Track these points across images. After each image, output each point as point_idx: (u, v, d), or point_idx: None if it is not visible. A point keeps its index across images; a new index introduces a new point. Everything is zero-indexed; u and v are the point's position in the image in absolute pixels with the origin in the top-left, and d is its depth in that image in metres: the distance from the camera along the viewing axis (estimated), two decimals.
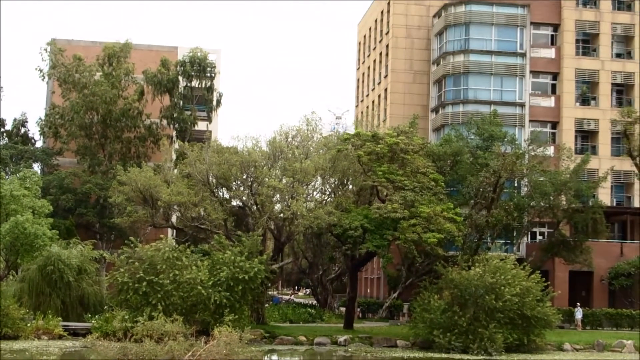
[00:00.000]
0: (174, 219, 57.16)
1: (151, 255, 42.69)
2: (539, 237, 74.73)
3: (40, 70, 74.96)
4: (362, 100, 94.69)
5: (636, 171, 59.79)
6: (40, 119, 76.06)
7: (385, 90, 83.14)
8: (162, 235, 46.44)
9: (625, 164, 71.66)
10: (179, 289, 41.94)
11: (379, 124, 77.92)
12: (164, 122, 75.57)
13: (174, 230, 63.94)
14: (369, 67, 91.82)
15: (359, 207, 49.66)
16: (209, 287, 42.04)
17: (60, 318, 44.99)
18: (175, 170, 59.63)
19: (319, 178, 51.76)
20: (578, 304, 64.58)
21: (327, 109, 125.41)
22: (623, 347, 49.02)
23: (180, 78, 75.70)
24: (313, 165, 48.94)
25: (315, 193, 52.82)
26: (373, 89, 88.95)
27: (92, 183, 69.31)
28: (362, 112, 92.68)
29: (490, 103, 74.62)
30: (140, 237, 57.15)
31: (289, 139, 52.13)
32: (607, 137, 77.21)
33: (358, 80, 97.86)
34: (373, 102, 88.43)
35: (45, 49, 74.89)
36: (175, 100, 75.58)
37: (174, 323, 37.28)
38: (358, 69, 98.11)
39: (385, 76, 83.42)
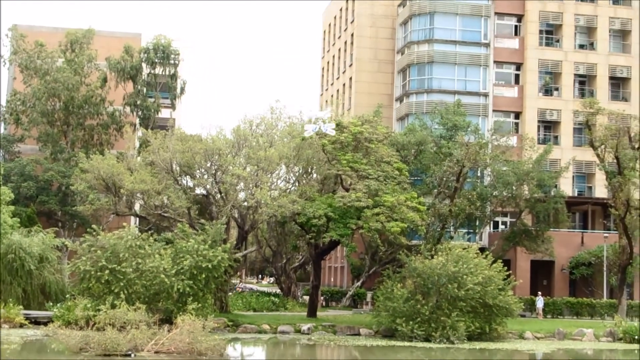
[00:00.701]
0: (137, 207, 56.82)
1: (114, 244, 42.39)
2: (501, 227, 75.25)
3: (1, 56, 74.15)
4: (326, 89, 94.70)
5: (597, 161, 60.32)
6: (1, 105, 75.18)
7: (350, 79, 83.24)
8: (124, 224, 46.05)
9: (586, 155, 72.23)
10: (141, 277, 41.68)
11: (344, 113, 77.96)
12: (127, 109, 75.02)
13: (137, 219, 63.51)
14: (334, 56, 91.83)
15: (323, 196, 49.64)
16: (172, 276, 41.84)
17: (21, 306, 44.59)
18: (139, 158, 59.19)
19: (283, 166, 51.67)
20: (539, 292, 65.22)
21: (308, 110, 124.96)
22: (583, 336, 49.57)
23: (143, 65, 75.16)
24: (277, 154, 48.84)
25: (279, 181, 52.77)
26: (338, 78, 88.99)
27: (54, 170, 68.62)
28: (326, 101, 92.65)
29: (454, 93, 74.96)
30: (102, 225, 56.74)
31: (253, 127, 52.03)
32: (570, 127, 77.89)
33: (323, 68, 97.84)
34: (338, 90, 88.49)
35: (7, 35, 74.00)
36: (139, 87, 75.08)
37: (136, 311, 37.09)
38: (323, 57, 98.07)
39: (350, 65, 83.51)
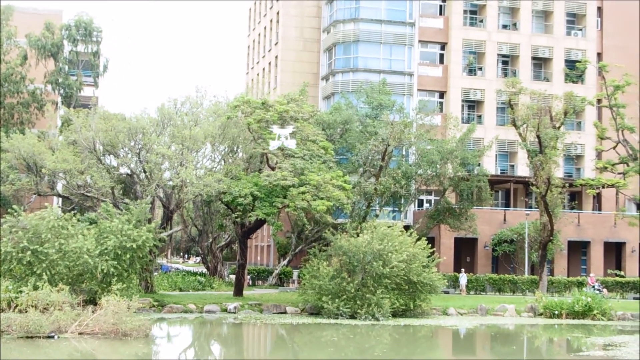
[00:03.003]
0: (59, 186, 55.96)
1: (35, 224, 41.62)
2: (425, 205, 76.08)
3: None
4: (252, 68, 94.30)
5: (519, 140, 61.33)
6: None
7: (276, 57, 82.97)
8: (47, 204, 45.31)
9: (509, 134, 73.51)
10: (64, 258, 41.07)
11: (269, 92, 77.73)
12: (49, 87, 73.74)
13: (60, 199, 62.57)
14: (259, 34, 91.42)
15: (249, 175, 49.58)
16: (95, 256, 41.32)
17: None
18: (61, 137, 58.28)
19: (208, 145, 51.41)
20: (462, 269, 66.23)
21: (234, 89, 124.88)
22: (505, 311, 50.52)
23: (65, 42, 73.90)
24: (202, 133, 48.58)
25: (204, 160, 52.46)
26: (264, 56, 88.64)
27: None
28: (252, 80, 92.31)
29: (379, 72, 75.34)
30: (24, 205, 55.68)
31: (178, 106, 51.64)
32: (493, 107, 79.01)
33: (249, 47, 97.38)
34: (264, 69, 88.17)
35: None
36: (60, 65, 73.81)
37: (59, 293, 36.64)
38: (249, 35, 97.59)
39: (276, 43, 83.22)
